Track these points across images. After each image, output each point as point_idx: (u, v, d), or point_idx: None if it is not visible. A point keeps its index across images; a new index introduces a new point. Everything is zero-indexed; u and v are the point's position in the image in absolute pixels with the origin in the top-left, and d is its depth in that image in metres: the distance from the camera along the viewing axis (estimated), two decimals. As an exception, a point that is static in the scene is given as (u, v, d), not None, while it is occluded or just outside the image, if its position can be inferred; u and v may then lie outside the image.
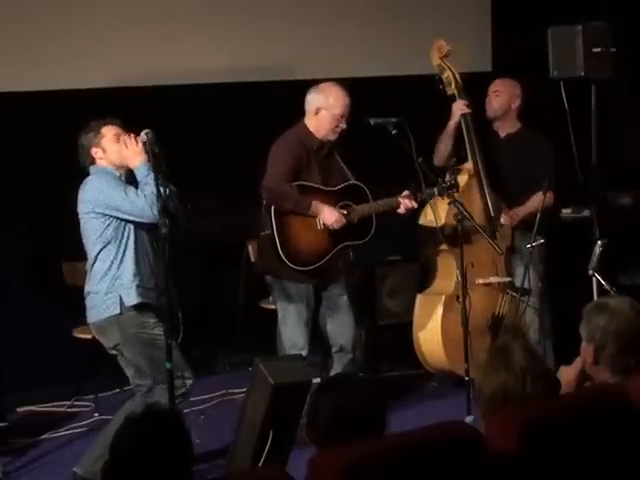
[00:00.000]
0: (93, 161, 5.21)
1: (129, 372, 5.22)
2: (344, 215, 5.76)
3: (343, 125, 5.75)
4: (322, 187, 5.77)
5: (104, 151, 5.19)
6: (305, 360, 5.69)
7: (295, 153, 5.70)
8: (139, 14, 6.92)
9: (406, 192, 5.88)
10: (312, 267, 5.73)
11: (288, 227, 5.68)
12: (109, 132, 5.19)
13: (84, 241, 5.19)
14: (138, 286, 5.10)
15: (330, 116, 5.73)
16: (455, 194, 5.89)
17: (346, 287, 6.00)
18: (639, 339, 3.65)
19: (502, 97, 6.47)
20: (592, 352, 3.68)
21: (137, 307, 5.10)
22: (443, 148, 6.37)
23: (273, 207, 5.64)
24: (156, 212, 4.93)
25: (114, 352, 5.20)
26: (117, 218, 5.07)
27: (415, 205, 5.92)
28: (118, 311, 5.07)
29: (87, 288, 5.19)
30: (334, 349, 5.98)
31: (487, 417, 3.28)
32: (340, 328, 5.94)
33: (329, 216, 5.71)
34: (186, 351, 5.18)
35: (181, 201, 5.23)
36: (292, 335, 5.81)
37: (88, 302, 5.19)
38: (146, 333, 5.09)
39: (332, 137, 5.78)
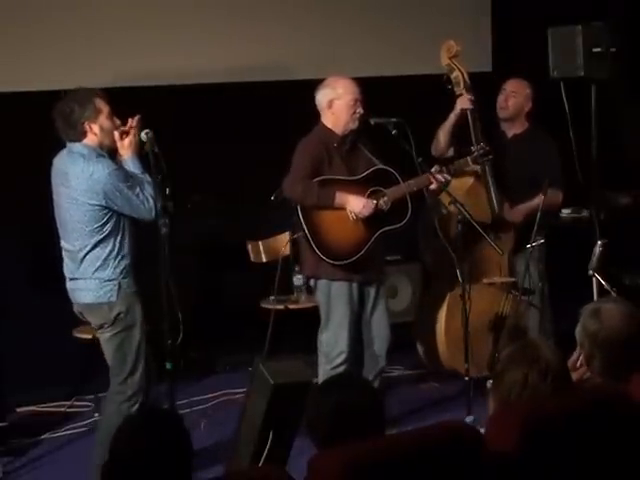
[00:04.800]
0: (82, 137, 4.91)
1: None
2: (372, 202, 5.66)
3: (360, 110, 5.68)
4: (347, 178, 5.68)
5: (102, 129, 4.90)
6: (344, 364, 5.65)
7: (313, 154, 5.64)
8: (139, 14, 6.91)
9: (436, 167, 5.79)
10: (353, 259, 5.63)
11: (319, 224, 5.60)
12: (105, 107, 4.91)
13: (75, 225, 4.96)
14: (134, 274, 5.01)
15: (344, 104, 5.68)
16: (459, 194, 5.88)
17: (385, 293, 5.94)
18: (627, 351, 3.58)
19: (518, 99, 6.47)
20: (584, 357, 3.67)
21: (133, 294, 5.02)
22: (442, 140, 6.34)
23: (299, 207, 5.58)
24: (154, 214, 4.87)
25: (98, 334, 5.10)
26: (117, 212, 4.92)
27: (448, 178, 5.78)
28: (115, 298, 4.96)
29: (77, 273, 5.02)
30: (366, 354, 5.86)
31: (498, 409, 3.27)
32: (374, 334, 5.84)
33: (356, 204, 5.63)
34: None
35: (181, 201, 5.22)
36: (332, 338, 5.70)
37: (77, 285, 5.03)
38: (129, 316, 4.98)
39: (353, 125, 5.71)
